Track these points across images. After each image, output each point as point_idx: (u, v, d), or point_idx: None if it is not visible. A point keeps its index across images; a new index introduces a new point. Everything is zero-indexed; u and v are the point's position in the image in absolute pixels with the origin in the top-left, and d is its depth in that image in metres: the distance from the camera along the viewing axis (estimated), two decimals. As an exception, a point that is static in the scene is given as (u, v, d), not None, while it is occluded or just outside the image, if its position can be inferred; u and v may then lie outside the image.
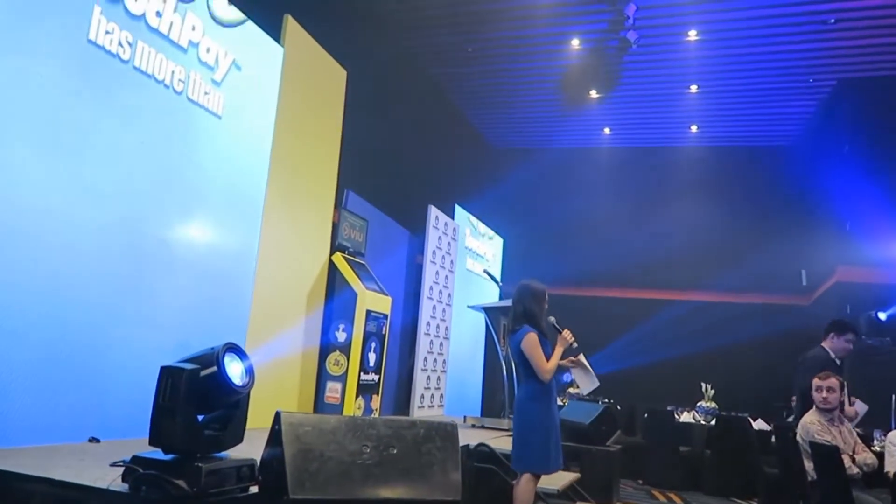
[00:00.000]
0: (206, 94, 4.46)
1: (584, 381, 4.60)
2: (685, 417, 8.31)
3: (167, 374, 2.45)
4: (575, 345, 4.25)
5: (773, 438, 7.30)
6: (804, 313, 10.28)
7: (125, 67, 3.83)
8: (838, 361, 5.30)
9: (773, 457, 6.47)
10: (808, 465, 4.57)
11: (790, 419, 8.02)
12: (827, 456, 4.14)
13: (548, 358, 4.13)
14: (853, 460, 4.47)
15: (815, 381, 4.72)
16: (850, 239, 8.54)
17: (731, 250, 10.44)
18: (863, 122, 8.78)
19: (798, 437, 4.76)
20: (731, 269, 10.19)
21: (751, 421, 7.92)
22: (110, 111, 3.75)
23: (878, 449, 5.27)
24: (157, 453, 2.46)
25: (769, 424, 7.98)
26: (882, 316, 7.98)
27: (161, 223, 4.12)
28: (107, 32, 3.69)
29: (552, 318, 4.39)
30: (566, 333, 4.25)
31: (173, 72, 4.17)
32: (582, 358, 4.55)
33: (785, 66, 8.71)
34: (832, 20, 7.76)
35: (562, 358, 4.28)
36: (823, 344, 5.42)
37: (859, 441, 4.75)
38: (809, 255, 9.96)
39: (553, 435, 4.14)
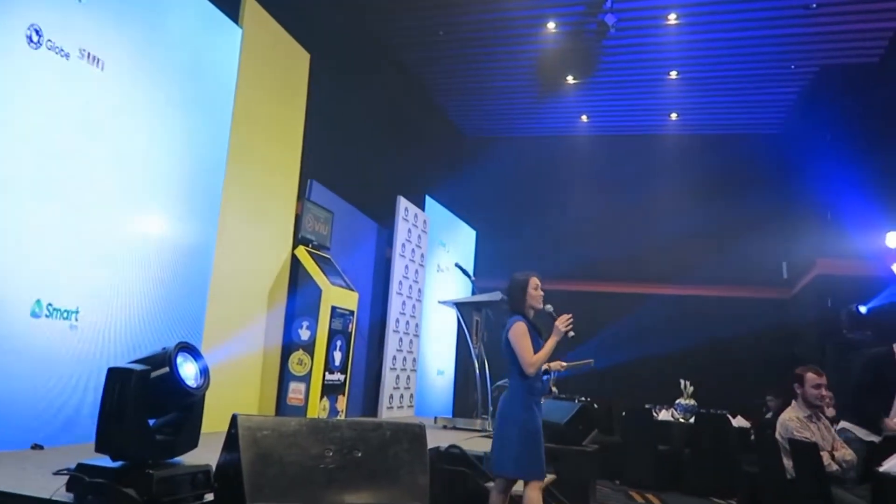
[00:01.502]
0: (158, 77, 4.15)
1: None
2: (664, 415, 8.20)
3: (115, 376, 2.35)
4: (571, 334, 3.98)
5: (753, 436, 7.18)
6: (785, 307, 10.19)
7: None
8: None
9: (753, 455, 6.35)
10: (787, 463, 4.53)
11: (769, 416, 7.93)
12: (806, 453, 4.11)
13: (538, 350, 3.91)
14: (832, 457, 4.45)
15: (812, 376, 4.58)
16: (831, 230, 8.40)
17: (711, 242, 10.29)
18: (845, 109, 8.63)
19: (777, 435, 4.71)
20: (711, 261, 10.07)
21: (730, 418, 7.82)
22: (52, 96, 3.45)
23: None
24: (105, 460, 2.36)
25: (749, 421, 7.88)
26: (863, 309, 7.83)
27: (109, 216, 3.83)
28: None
29: (549, 307, 4.11)
30: (560, 321, 3.98)
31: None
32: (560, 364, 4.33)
33: (766, 51, 8.52)
34: (814, 5, 7.59)
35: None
36: None
37: (837, 438, 4.74)
38: (790, 246, 9.85)
39: (541, 436, 3.93)
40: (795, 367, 4.79)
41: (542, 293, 4.12)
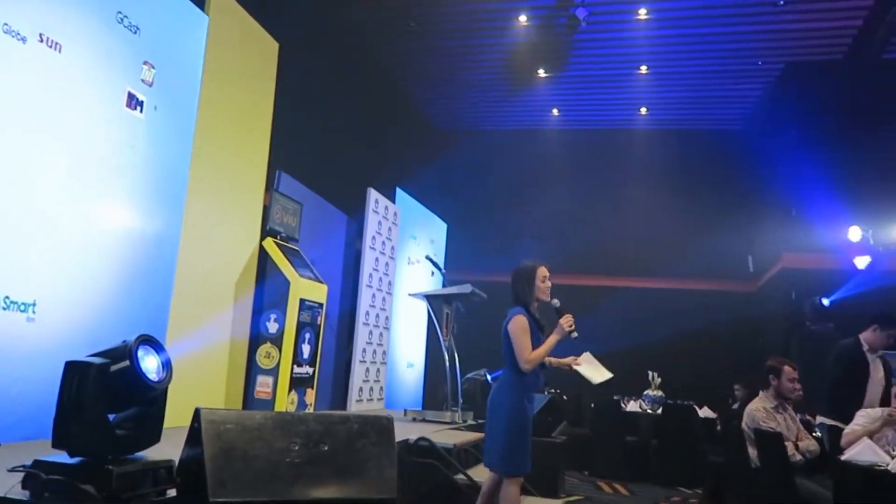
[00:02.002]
0: (120, 64, 4.05)
1: (594, 375, 4.07)
2: (632, 406, 8.27)
3: (73, 370, 2.29)
4: (575, 335, 3.77)
5: (719, 426, 7.28)
6: (750, 300, 10.34)
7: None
8: (870, 355, 5.10)
9: (719, 445, 6.45)
10: (753, 453, 4.58)
11: (735, 406, 8.05)
12: (770, 443, 4.13)
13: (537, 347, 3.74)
14: (797, 447, 4.51)
15: (789, 369, 4.66)
16: (795, 224, 8.53)
17: (679, 235, 10.39)
18: (810, 106, 8.77)
19: (744, 424, 4.76)
20: (679, 255, 10.16)
21: (697, 409, 7.91)
22: (8, 81, 3.35)
23: (818, 435, 5.32)
24: (63, 456, 2.30)
25: (715, 412, 7.98)
26: (826, 302, 7.99)
27: (69, 207, 3.73)
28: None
29: (556, 301, 3.89)
30: (564, 320, 3.78)
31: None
32: (586, 357, 4.05)
33: (734, 47, 8.61)
34: (781, 2, 7.67)
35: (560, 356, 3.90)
36: (862, 335, 5.17)
37: (802, 428, 4.81)
38: (756, 240, 9.99)
39: (529, 432, 3.82)
40: (760, 359, 4.86)
41: (549, 285, 3.91)
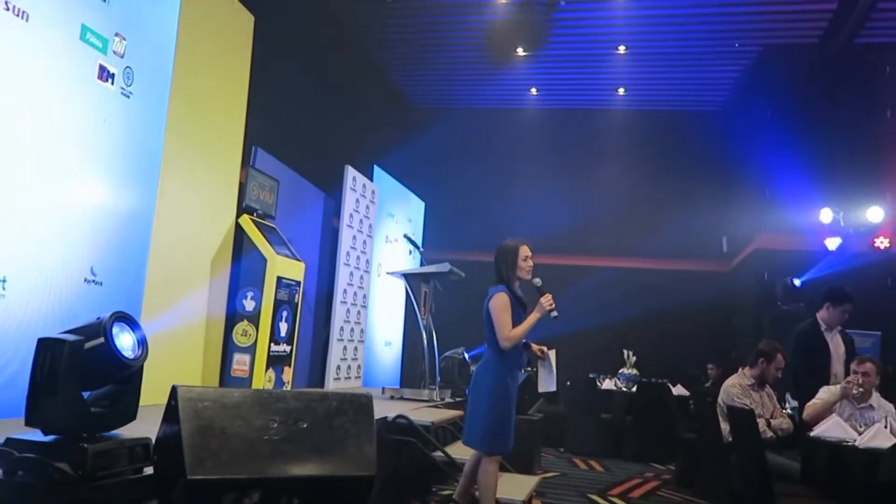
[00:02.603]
0: (89, 37, 3.92)
1: (543, 382, 4.13)
2: (607, 385, 8.37)
3: (46, 347, 2.26)
4: (555, 314, 3.80)
5: (692, 404, 7.41)
6: (724, 280, 10.46)
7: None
8: (828, 334, 5.17)
9: (692, 422, 6.56)
10: (725, 428, 4.69)
11: (708, 384, 8.18)
12: (742, 419, 4.18)
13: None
14: (769, 424, 4.64)
15: (782, 358, 4.81)
16: (769, 206, 8.62)
17: (654, 216, 10.46)
18: (785, 89, 8.83)
19: (719, 400, 4.88)
20: (654, 235, 10.23)
21: (670, 387, 8.03)
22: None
23: (789, 412, 5.51)
24: (36, 434, 2.27)
25: (688, 391, 8.11)
26: (797, 282, 8.12)
27: (39, 182, 3.62)
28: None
29: (537, 280, 3.95)
30: (545, 299, 3.82)
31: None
32: (551, 355, 4.09)
33: (711, 29, 8.61)
34: (759, -16, 7.68)
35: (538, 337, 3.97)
36: (818, 314, 5.24)
37: (778, 406, 4.97)
38: (730, 221, 10.09)
39: (511, 412, 3.85)
40: (732, 338, 4.93)
41: (531, 264, 3.96)
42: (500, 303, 3.78)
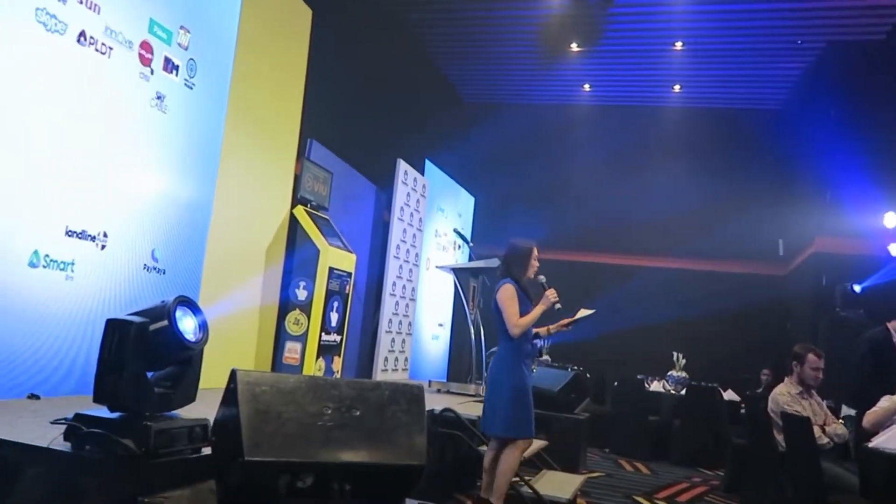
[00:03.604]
0: (157, 32, 4.05)
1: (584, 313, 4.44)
2: (655, 386, 8.25)
3: (113, 327, 2.32)
4: (558, 306, 4.09)
5: (743, 409, 7.25)
6: (780, 284, 10.19)
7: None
8: None
9: (742, 427, 6.42)
10: (779, 437, 4.57)
11: (760, 390, 7.99)
12: (798, 427, 4.13)
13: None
14: (824, 431, 4.50)
15: (813, 357, 4.64)
16: (829, 208, 8.37)
17: (709, 216, 10.22)
18: (849, 87, 8.53)
19: (769, 409, 4.76)
20: (708, 236, 10.02)
21: (721, 391, 7.87)
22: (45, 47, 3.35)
23: (843, 422, 5.29)
24: (103, 411, 2.34)
25: (739, 395, 7.93)
26: (857, 288, 7.86)
27: (105, 170, 3.77)
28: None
29: (542, 277, 4.24)
30: (550, 293, 4.09)
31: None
32: (582, 312, 4.37)
33: (773, 25, 8.38)
34: (823, -21, 7.46)
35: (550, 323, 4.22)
36: (890, 323, 5.12)
37: (829, 413, 4.80)
38: (788, 223, 9.81)
39: (530, 397, 4.03)
40: (788, 344, 4.83)
41: (538, 264, 4.22)
42: (507, 293, 4.02)
